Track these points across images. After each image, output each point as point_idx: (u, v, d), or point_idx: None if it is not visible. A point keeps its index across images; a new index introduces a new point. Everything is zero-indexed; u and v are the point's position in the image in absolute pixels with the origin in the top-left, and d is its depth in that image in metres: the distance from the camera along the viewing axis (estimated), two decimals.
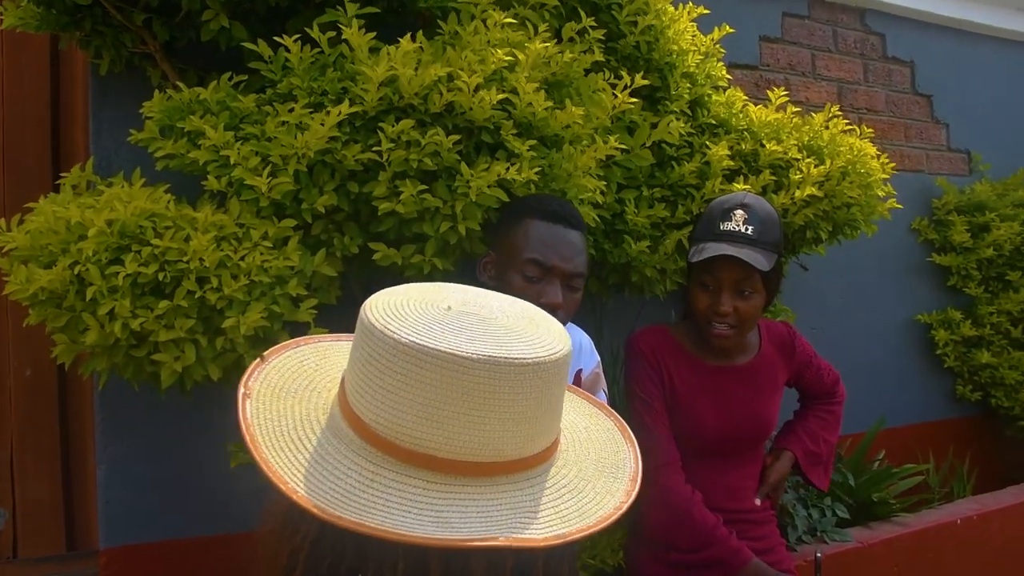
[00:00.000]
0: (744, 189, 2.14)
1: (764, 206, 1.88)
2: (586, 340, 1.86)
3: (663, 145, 2.20)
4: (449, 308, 0.77)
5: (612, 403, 2.23)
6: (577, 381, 1.79)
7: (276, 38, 1.72)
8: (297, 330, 1.70)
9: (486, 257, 1.75)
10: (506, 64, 1.77)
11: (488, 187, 1.71)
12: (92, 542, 2.40)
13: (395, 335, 0.72)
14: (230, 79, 1.78)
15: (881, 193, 2.46)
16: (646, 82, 2.01)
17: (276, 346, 0.89)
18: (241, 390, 0.80)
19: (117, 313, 1.54)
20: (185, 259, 1.57)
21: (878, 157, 2.49)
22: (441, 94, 1.69)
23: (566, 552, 0.79)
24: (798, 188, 2.26)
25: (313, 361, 0.88)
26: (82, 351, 1.66)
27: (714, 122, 2.31)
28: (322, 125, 1.61)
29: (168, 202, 1.64)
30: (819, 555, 1.73)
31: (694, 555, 1.92)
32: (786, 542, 2.17)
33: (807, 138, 2.41)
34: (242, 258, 1.61)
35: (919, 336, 3.68)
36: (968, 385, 3.69)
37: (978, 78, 3.98)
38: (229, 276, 1.59)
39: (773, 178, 2.27)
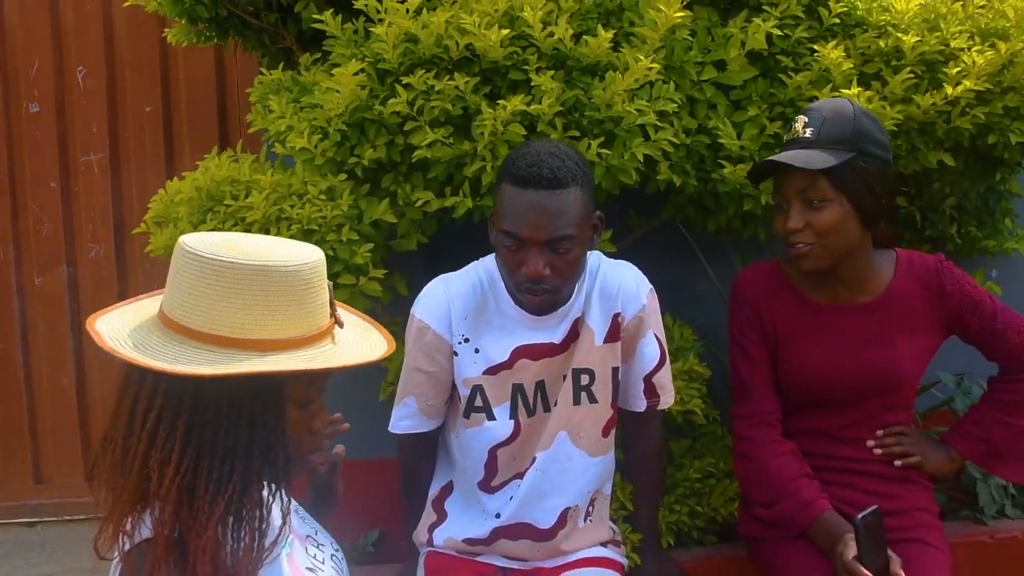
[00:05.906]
0: (859, 93, 1.83)
1: (833, 104, 1.69)
2: (629, 282, 1.70)
3: (779, 57, 1.96)
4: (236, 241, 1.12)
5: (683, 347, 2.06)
6: (616, 326, 1.70)
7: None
8: (358, 273, 1.90)
9: (493, 214, 1.63)
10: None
11: (503, 124, 1.74)
12: None
13: (182, 245, 1.09)
14: (310, 56, 2.04)
15: None
16: None
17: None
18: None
19: None
20: (250, 215, 1.86)
21: None
22: (457, 42, 1.76)
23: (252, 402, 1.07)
24: (953, 85, 1.85)
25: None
26: None
27: (841, 21, 1.98)
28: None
29: (247, 168, 1.95)
30: (859, 518, 1.44)
31: (769, 511, 1.73)
32: (939, 509, 1.82)
33: (984, 22, 1.95)
34: (297, 211, 1.86)
35: None
36: None
37: None
38: (285, 227, 1.85)
39: (914, 78, 1.88)
